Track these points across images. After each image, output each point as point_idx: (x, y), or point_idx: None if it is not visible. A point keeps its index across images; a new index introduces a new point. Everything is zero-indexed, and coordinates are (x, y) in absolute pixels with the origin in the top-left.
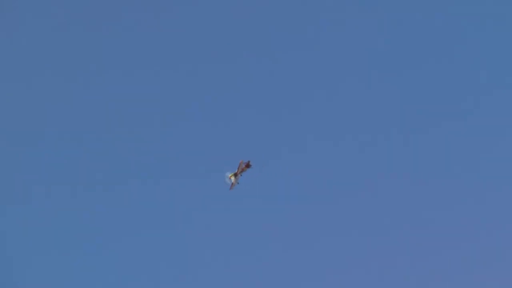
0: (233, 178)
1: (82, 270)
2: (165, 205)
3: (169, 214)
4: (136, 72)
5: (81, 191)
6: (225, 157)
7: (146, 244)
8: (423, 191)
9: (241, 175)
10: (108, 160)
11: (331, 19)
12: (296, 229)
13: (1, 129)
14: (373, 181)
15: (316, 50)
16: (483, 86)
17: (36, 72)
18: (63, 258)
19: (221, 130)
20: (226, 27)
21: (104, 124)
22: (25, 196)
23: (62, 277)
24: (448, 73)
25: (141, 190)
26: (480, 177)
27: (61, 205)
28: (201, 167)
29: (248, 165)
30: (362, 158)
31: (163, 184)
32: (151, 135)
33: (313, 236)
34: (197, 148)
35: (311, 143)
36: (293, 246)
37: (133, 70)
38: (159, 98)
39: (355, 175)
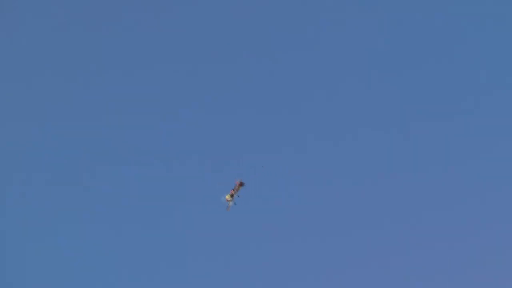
0: (229, 199)
1: (80, 269)
2: (166, 205)
3: (170, 214)
4: (136, 72)
5: (81, 190)
6: (224, 157)
7: (145, 244)
8: (422, 190)
9: (237, 196)
10: (108, 160)
11: (331, 19)
12: (296, 230)
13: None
14: (373, 180)
15: (316, 50)
16: (483, 86)
17: (35, 71)
18: (61, 256)
19: (220, 130)
20: (225, 27)
21: (104, 124)
22: (24, 194)
23: (61, 276)
24: (448, 73)
25: (141, 189)
26: (479, 176)
27: (60, 203)
28: (200, 167)
29: (241, 184)
30: (362, 158)
31: (164, 183)
32: (151, 135)
33: (313, 237)
34: (196, 148)
35: (311, 143)
36: (292, 246)
37: (133, 70)
38: (158, 98)
39: (355, 175)
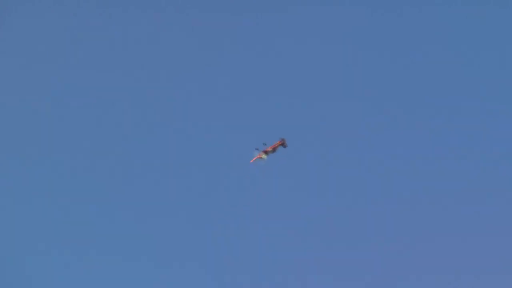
0: (263, 155)
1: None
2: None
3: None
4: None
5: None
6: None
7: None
8: (424, 191)
9: (273, 152)
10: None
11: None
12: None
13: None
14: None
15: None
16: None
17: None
18: (64, 258)
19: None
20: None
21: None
22: (25, 196)
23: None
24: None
25: (143, 188)
26: (478, 176)
27: (62, 205)
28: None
29: (283, 144)
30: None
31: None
32: (153, 135)
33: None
34: (196, 148)
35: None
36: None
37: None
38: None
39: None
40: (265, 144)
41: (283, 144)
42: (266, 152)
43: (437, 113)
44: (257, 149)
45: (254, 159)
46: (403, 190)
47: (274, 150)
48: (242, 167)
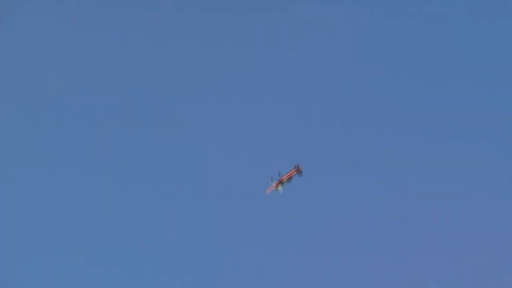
0: (279, 186)
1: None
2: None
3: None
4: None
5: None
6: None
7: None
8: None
9: (288, 182)
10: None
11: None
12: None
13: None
14: None
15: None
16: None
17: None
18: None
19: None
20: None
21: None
22: (27, 196)
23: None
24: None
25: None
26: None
27: (64, 206)
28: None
29: (299, 171)
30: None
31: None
32: (155, 136)
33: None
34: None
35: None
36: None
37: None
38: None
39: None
40: (279, 174)
41: (298, 172)
42: (281, 182)
43: (437, 113)
44: (272, 179)
45: (270, 189)
46: (404, 191)
47: (290, 179)
48: (241, 168)
